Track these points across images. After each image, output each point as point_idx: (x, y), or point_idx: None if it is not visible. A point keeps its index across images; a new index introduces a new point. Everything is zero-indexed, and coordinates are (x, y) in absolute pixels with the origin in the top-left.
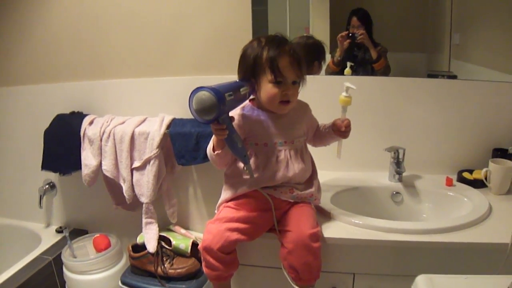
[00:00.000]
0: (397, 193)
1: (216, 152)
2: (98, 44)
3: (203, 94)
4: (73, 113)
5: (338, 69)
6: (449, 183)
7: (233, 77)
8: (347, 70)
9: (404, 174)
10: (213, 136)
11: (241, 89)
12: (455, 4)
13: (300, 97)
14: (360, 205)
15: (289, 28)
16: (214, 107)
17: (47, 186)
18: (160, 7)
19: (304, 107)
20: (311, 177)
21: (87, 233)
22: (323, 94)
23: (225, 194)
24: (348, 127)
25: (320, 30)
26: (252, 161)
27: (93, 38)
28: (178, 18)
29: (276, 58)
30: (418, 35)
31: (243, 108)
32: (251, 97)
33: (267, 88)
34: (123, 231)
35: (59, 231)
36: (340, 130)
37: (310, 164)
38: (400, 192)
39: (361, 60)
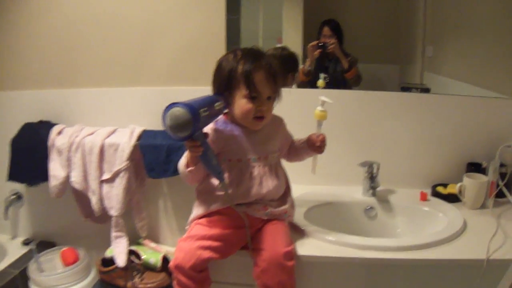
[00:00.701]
0: (371, 208)
1: (189, 169)
2: (69, 51)
3: (177, 110)
4: (41, 122)
5: (307, 79)
6: (423, 197)
7: (206, 88)
8: (321, 82)
9: (377, 188)
10: (186, 152)
11: (215, 104)
12: (429, 17)
13: (274, 110)
14: (333, 220)
15: (261, 38)
16: (189, 124)
17: (13, 196)
18: (132, 15)
19: (278, 122)
20: (285, 194)
21: (55, 245)
22: (297, 107)
23: (197, 210)
24: (323, 142)
25: (293, 40)
26: (225, 177)
27: (63, 45)
28: (151, 27)
29: (251, 73)
30: (390, 47)
31: (216, 123)
32: (225, 111)
33: (241, 103)
34: (92, 244)
35: (26, 243)
36: (315, 145)
37: (284, 180)
38: (374, 206)
39: (333, 71)
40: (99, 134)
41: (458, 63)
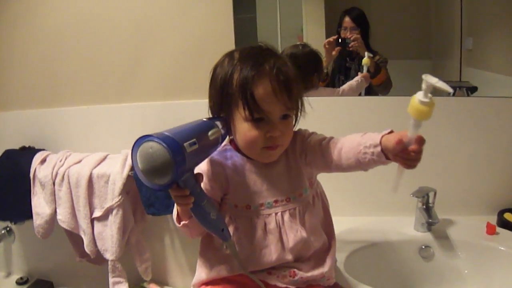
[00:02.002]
0: (427, 247)
1: (182, 223)
2: (51, 65)
3: (151, 146)
4: (23, 148)
5: (323, 84)
6: (490, 230)
7: None
8: (366, 60)
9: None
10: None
11: (209, 132)
12: (466, 4)
13: None
14: (381, 266)
15: (280, 37)
16: (169, 165)
17: (3, 231)
18: (122, 20)
19: (294, 140)
20: (326, 248)
21: (52, 285)
22: (315, 119)
23: (200, 272)
24: (419, 153)
25: (315, 37)
26: (230, 231)
27: (44, 59)
28: (144, 32)
29: (250, 85)
30: (421, 40)
31: (214, 153)
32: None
33: (242, 129)
34: (92, 283)
35: (20, 282)
36: (403, 155)
37: (320, 228)
38: (430, 245)
39: (356, 74)
40: (86, 162)
41: (506, 54)
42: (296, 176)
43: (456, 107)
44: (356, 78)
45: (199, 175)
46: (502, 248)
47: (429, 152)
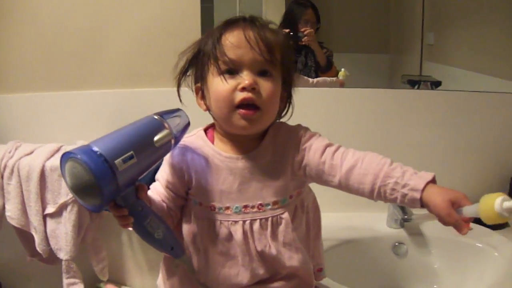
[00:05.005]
0: (400, 244)
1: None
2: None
3: (74, 166)
4: None
5: None
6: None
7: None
8: (342, 73)
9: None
10: None
11: (156, 137)
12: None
13: None
14: (355, 264)
15: None
16: (94, 188)
17: None
18: None
19: (289, 136)
20: (304, 268)
21: (0, 286)
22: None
23: (161, 277)
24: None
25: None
26: (187, 236)
27: None
28: (103, 11)
29: (219, 33)
30: (379, 34)
31: (182, 141)
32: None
33: (214, 86)
34: (45, 284)
35: None
36: (449, 224)
37: (298, 246)
38: (403, 242)
39: (303, 66)
40: (38, 154)
41: (468, 49)
42: (278, 181)
43: (428, 101)
44: (332, 78)
45: (141, 189)
46: (477, 244)
47: (400, 146)
